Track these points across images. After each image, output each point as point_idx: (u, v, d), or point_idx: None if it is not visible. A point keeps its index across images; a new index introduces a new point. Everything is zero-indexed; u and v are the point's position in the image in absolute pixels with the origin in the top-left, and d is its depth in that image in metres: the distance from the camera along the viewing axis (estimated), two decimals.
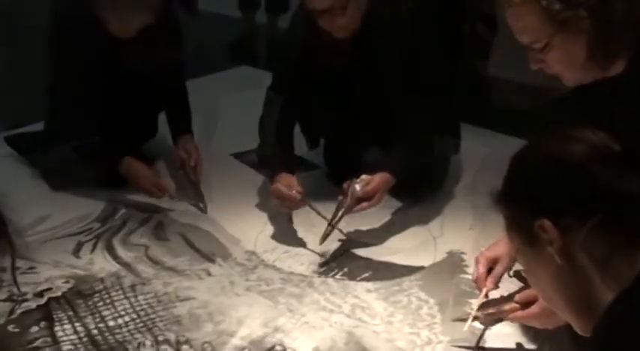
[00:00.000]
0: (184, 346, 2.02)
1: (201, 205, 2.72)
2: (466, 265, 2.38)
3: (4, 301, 2.17)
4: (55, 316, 2.13)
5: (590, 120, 1.37)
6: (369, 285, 2.30)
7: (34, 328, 2.09)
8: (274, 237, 2.55)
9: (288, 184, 2.45)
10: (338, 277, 2.34)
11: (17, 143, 3.05)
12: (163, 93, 2.90)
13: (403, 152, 2.51)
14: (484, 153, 2.97)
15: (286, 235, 2.56)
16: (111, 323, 2.11)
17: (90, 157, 2.71)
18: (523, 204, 1.26)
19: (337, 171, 2.79)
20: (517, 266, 1.96)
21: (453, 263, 2.41)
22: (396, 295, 2.25)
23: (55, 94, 2.80)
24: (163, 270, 2.36)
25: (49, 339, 2.05)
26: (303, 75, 2.60)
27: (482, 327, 2.06)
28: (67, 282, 2.29)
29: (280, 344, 2.03)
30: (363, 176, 2.41)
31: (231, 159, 3.09)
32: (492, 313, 2.01)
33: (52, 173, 2.82)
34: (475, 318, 2.03)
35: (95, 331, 2.08)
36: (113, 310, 2.17)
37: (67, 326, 2.10)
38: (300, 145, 2.82)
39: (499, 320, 2.04)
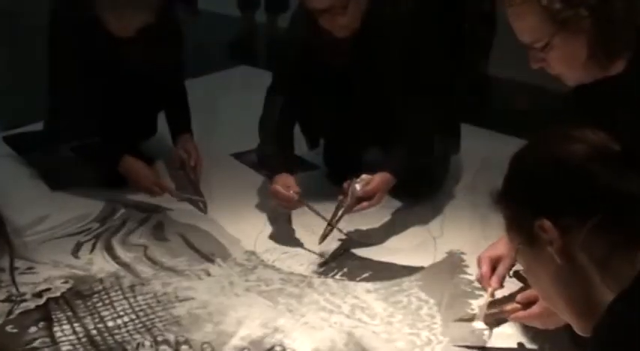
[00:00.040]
0: (183, 347, 2.02)
1: (201, 205, 2.72)
2: (466, 266, 2.37)
3: (3, 301, 2.17)
4: (53, 317, 2.13)
5: (590, 119, 1.37)
6: (369, 285, 2.29)
7: (33, 329, 2.08)
8: (274, 237, 2.55)
9: (286, 184, 2.44)
10: (338, 277, 2.34)
11: (16, 143, 3.05)
12: (163, 92, 2.90)
13: (403, 152, 2.51)
14: (484, 153, 2.96)
15: (286, 235, 2.56)
16: (110, 324, 2.10)
17: (89, 156, 2.71)
18: (523, 204, 1.26)
19: (337, 171, 2.79)
20: (518, 266, 1.96)
21: (453, 263, 2.40)
22: (396, 296, 2.24)
23: (54, 94, 2.79)
24: (163, 270, 2.36)
25: (47, 339, 2.04)
26: (303, 75, 2.60)
27: (482, 327, 2.05)
28: (65, 282, 2.28)
29: (280, 345, 2.02)
30: (364, 176, 2.40)
31: (231, 159, 3.08)
32: (494, 313, 2.01)
33: (51, 173, 2.81)
34: (478, 318, 2.03)
35: (94, 332, 2.07)
36: (112, 310, 2.16)
37: (66, 327, 2.09)
38: (300, 145, 2.81)
39: (503, 320, 2.03)
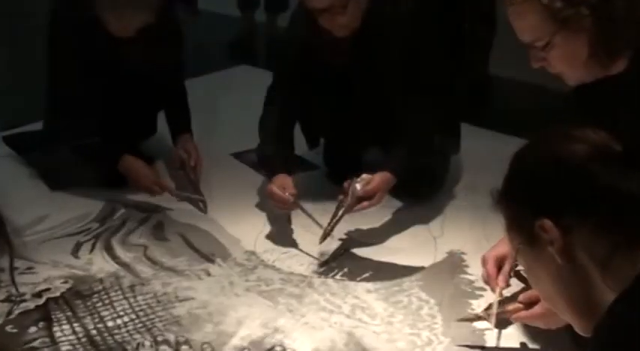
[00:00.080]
0: (184, 347, 2.02)
1: (201, 205, 2.71)
2: (466, 266, 2.37)
3: (3, 301, 2.17)
4: (53, 317, 2.13)
5: (591, 119, 1.37)
6: (369, 285, 2.29)
7: (33, 329, 2.08)
8: (274, 237, 2.54)
9: (283, 185, 2.44)
10: (338, 277, 2.34)
11: (16, 143, 3.05)
12: (163, 92, 2.90)
13: (404, 152, 2.50)
14: (484, 153, 2.95)
15: (286, 235, 2.55)
16: (110, 324, 2.10)
17: (89, 156, 2.70)
18: (523, 204, 1.26)
19: (337, 171, 2.78)
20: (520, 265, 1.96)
21: (454, 263, 2.40)
22: (397, 296, 2.24)
23: (54, 94, 2.79)
24: (162, 270, 2.36)
25: (47, 339, 2.04)
26: (303, 74, 2.60)
27: (484, 327, 2.05)
28: (65, 282, 2.28)
29: (280, 345, 2.02)
30: (364, 175, 2.40)
31: (231, 159, 3.08)
32: (497, 313, 2.00)
33: (51, 173, 2.81)
34: (480, 318, 2.02)
35: (94, 332, 2.07)
36: (112, 310, 2.16)
37: (66, 327, 2.09)
38: (301, 145, 2.81)
39: (504, 320, 2.03)
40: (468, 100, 3.44)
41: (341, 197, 2.39)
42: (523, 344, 2.01)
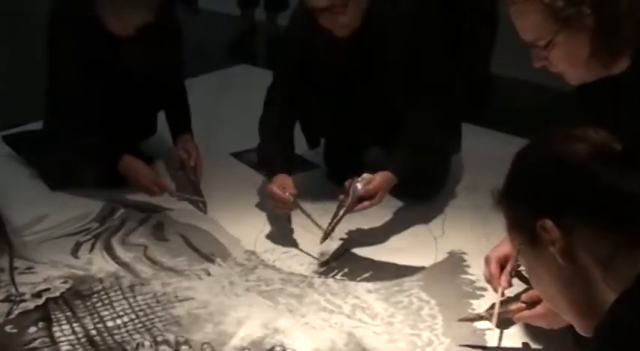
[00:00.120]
0: (183, 347, 2.01)
1: (201, 205, 2.71)
2: (467, 266, 2.37)
3: (2, 301, 2.16)
4: (53, 317, 2.12)
5: (593, 118, 1.36)
6: (370, 285, 2.29)
7: (32, 329, 2.07)
8: (274, 237, 2.54)
9: (283, 185, 2.44)
10: (338, 277, 2.33)
11: (15, 143, 3.04)
12: (163, 92, 2.89)
13: (405, 152, 2.50)
14: (485, 152, 2.95)
15: (286, 235, 2.55)
16: (109, 324, 2.10)
17: (89, 156, 2.70)
18: (525, 204, 1.26)
19: (337, 170, 2.78)
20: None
21: (455, 263, 2.39)
22: (397, 296, 2.24)
23: (53, 94, 2.79)
24: (162, 270, 2.35)
25: (47, 339, 2.04)
26: (303, 74, 2.59)
27: (485, 327, 2.05)
28: (65, 282, 2.27)
29: (280, 345, 2.02)
30: (365, 175, 2.40)
31: (231, 158, 3.08)
32: (499, 313, 2.00)
33: (51, 173, 2.80)
34: (482, 318, 2.02)
35: (94, 332, 2.07)
36: (112, 310, 2.16)
37: (66, 327, 2.09)
38: (301, 145, 2.81)
39: (508, 320, 2.03)
40: (468, 100, 3.43)
41: (342, 197, 2.39)
42: (525, 344, 2.01)
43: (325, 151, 2.93)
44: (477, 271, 2.25)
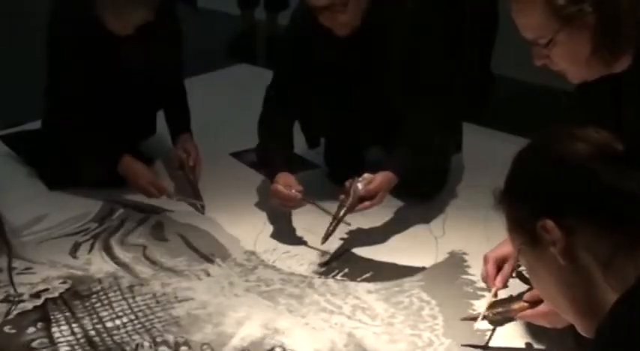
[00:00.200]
0: (183, 348, 2.01)
1: (199, 206, 2.70)
2: (468, 266, 2.36)
3: (1, 302, 2.16)
4: (52, 317, 2.12)
5: (594, 117, 1.36)
6: (370, 286, 2.28)
7: (31, 329, 2.07)
8: (274, 237, 2.53)
9: (287, 183, 2.43)
10: (338, 277, 2.32)
11: (14, 142, 3.04)
12: (162, 92, 2.89)
13: (405, 151, 2.49)
14: (486, 152, 2.95)
15: (286, 235, 2.54)
16: (109, 324, 2.09)
17: (88, 156, 2.69)
18: (525, 203, 1.26)
19: (338, 170, 2.78)
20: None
21: (455, 264, 2.39)
22: (397, 296, 2.23)
23: (53, 93, 2.78)
24: (162, 270, 2.35)
25: (45, 340, 2.03)
26: (303, 73, 2.59)
27: (486, 327, 2.04)
28: (64, 282, 2.27)
29: (280, 346, 2.01)
30: (366, 175, 2.39)
31: (231, 158, 3.07)
32: (501, 312, 2.01)
33: (49, 172, 2.80)
34: (484, 317, 2.02)
35: (93, 333, 2.06)
36: (111, 311, 2.15)
37: (64, 327, 2.08)
38: (301, 144, 2.80)
39: (509, 319, 2.03)
40: (469, 99, 3.43)
41: (342, 197, 2.38)
42: (528, 345, 2.00)
43: (325, 151, 2.92)
44: (477, 271, 2.24)
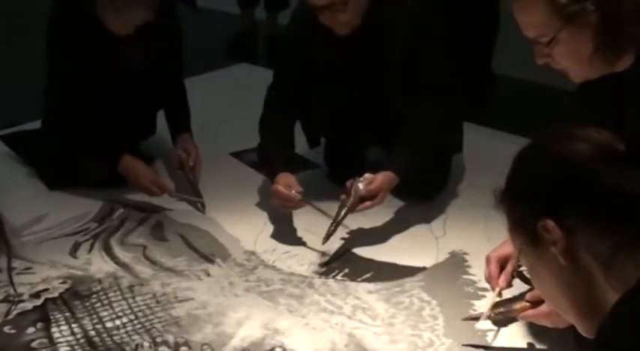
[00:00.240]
0: (183, 348, 2.00)
1: (199, 205, 2.69)
2: (469, 266, 2.36)
3: (0, 302, 2.16)
4: (51, 317, 2.11)
5: (596, 116, 1.35)
6: (370, 286, 2.28)
7: (31, 329, 2.07)
8: (274, 237, 2.53)
9: (288, 183, 2.43)
10: (339, 277, 2.32)
11: (14, 142, 3.03)
12: (162, 91, 2.88)
13: (406, 151, 2.48)
14: (487, 152, 2.94)
15: (286, 235, 2.54)
16: (108, 324, 2.09)
17: (88, 155, 2.69)
18: (526, 203, 1.25)
19: (338, 170, 2.77)
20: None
21: (456, 264, 2.38)
22: (398, 296, 2.23)
23: (53, 93, 2.78)
24: (162, 270, 2.34)
25: (45, 340, 2.03)
26: (304, 73, 2.58)
27: (486, 328, 2.04)
28: (64, 282, 2.26)
29: (280, 346, 2.01)
30: (367, 175, 2.39)
31: (231, 158, 3.07)
32: (503, 312, 2.01)
33: (49, 172, 2.79)
34: (487, 317, 2.02)
35: (92, 333, 2.06)
36: (111, 311, 2.15)
37: (64, 327, 2.08)
38: (301, 144, 2.80)
39: (511, 319, 2.03)
40: (470, 99, 3.42)
41: (343, 197, 2.38)
42: (530, 345, 2.00)
43: (326, 151, 2.91)
44: (478, 271, 2.24)
